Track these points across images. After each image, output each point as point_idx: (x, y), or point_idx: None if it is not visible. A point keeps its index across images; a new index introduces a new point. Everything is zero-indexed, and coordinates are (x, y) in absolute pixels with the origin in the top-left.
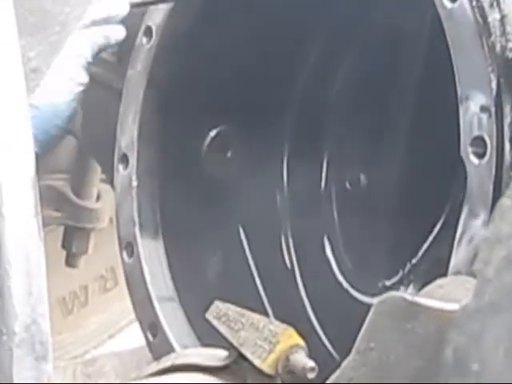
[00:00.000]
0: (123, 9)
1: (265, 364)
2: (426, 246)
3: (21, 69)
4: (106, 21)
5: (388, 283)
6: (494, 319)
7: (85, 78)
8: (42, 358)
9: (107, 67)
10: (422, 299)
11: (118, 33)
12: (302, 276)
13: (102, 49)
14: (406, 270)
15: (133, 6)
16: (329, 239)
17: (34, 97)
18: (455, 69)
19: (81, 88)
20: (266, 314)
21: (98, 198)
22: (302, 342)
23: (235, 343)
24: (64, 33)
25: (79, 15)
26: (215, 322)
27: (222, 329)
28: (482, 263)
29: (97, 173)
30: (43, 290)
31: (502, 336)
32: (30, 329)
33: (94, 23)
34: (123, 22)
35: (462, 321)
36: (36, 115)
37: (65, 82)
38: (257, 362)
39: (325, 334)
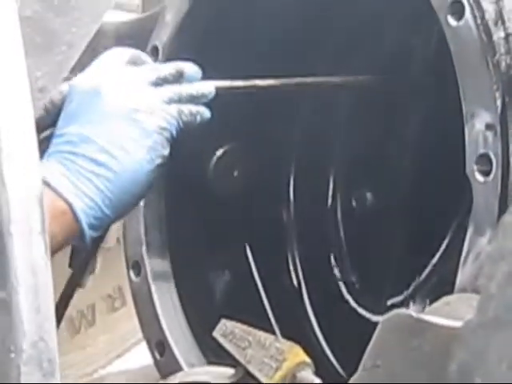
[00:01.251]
0: (210, 91)
1: (271, 382)
2: (432, 264)
3: (28, 88)
4: (192, 100)
5: (395, 301)
6: (498, 334)
7: (167, 151)
8: (50, 374)
9: None
10: (428, 316)
11: (205, 114)
12: (308, 294)
13: (186, 126)
14: (413, 288)
15: (219, 89)
16: (335, 258)
17: (114, 161)
18: (460, 86)
19: (161, 161)
20: (273, 332)
21: None
22: (308, 360)
23: (242, 361)
24: (70, 52)
25: (85, 35)
26: (222, 340)
27: (229, 347)
28: (486, 279)
29: None
30: (51, 307)
31: (505, 351)
32: (38, 346)
33: (181, 99)
34: (208, 105)
35: (466, 336)
36: (112, 179)
37: (147, 152)
38: (264, 380)
39: (332, 351)
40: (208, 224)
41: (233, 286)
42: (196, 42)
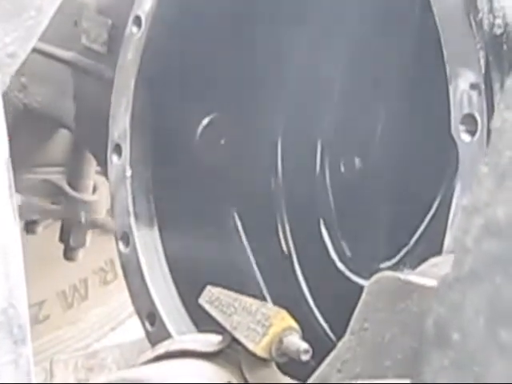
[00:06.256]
0: None
1: (258, 347)
2: (422, 227)
3: None
4: None
5: (385, 265)
6: (474, 288)
7: None
8: (21, 341)
9: (98, 58)
10: (415, 278)
11: None
12: (299, 260)
13: None
14: (403, 252)
15: None
16: (325, 223)
17: None
18: (444, 47)
19: None
20: (264, 299)
21: (94, 190)
22: (295, 324)
23: (228, 327)
24: (40, 17)
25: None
26: (208, 307)
27: (215, 313)
28: (461, 232)
29: (92, 165)
30: (21, 273)
31: (481, 305)
32: (8, 312)
33: None
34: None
35: (443, 291)
36: None
37: None
38: (250, 346)
39: (323, 317)
40: (196, 193)
41: (223, 255)
42: (178, 12)
